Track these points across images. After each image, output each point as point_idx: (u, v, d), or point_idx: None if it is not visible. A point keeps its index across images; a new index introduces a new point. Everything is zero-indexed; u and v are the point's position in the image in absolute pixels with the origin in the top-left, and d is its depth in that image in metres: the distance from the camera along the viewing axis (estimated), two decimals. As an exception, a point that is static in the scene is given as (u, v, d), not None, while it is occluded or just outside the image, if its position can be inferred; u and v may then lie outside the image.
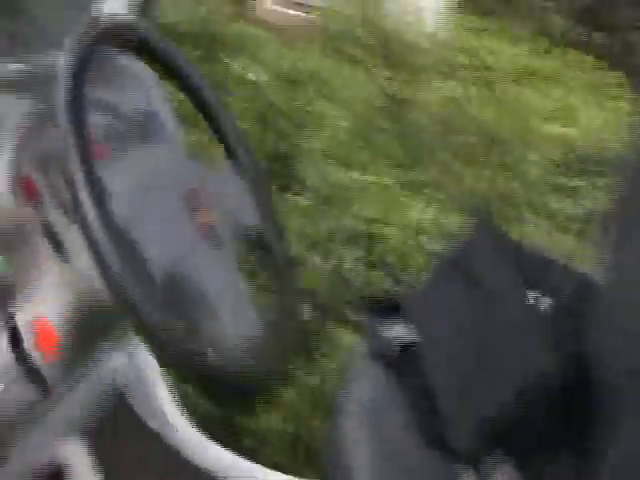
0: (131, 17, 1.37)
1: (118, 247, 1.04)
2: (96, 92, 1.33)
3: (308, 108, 3.71)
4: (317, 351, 2.85)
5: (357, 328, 2.75)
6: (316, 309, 2.91)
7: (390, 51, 4.02)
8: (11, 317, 1.20)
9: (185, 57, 1.34)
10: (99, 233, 1.04)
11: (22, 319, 1.20)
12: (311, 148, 3.49)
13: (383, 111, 3.64)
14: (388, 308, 1.44)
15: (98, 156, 1.22)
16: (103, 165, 1.17)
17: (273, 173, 3.49)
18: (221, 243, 1.21)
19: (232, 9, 4.22)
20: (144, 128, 1.37)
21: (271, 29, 4.45)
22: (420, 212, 3.03)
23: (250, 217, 1.30)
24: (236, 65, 3.80)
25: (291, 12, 4.78)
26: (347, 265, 2.96)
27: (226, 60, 3.81)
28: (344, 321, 2.87)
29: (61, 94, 1.10)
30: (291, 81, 3.88)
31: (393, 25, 4.07)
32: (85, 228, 1.04)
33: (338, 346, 2.83)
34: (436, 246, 2.83)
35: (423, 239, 2.91)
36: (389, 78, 3.90)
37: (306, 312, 2.87)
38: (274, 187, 3.42)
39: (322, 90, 3.78)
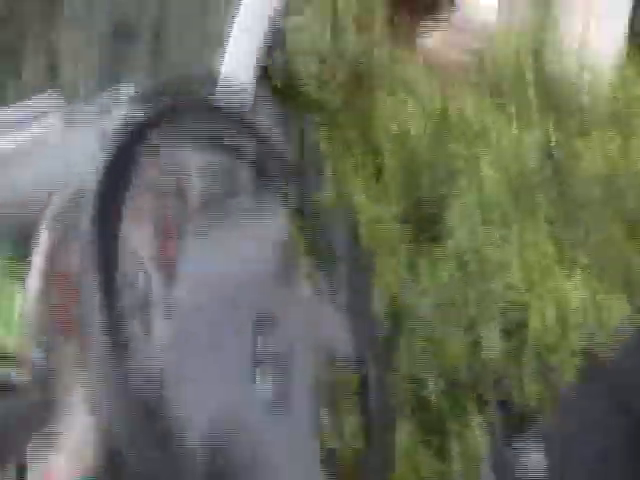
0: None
1: (132, 401, 0.76)
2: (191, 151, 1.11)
3: (459, 156, 3.44)
4: (447, 431, 2.59)
5: (491, 413, 2.47)
6: (448, 385, 2.64)
7: (555, 100, 3.71)
8: (21, 464, 0.96)
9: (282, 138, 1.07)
10: (105, 382, 0.77)
11: (34, 468, 0.94)
12: (458, 201, 3.22)
13: (542, 165, 3.32)
14: (519, 420, 1.19)
15: (163, 245, 1.00)
16: (164, 260, 0.93)
17: (415, 225, 3.24)
18: (292, 383, 0.92)
19: (390, 46, 3.96)
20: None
21: (430, 69, 4.22)
22: (575, 288, 2.70)
23: (343, 349, 1.01)
24: (387, 106, 3.57)
25: (453, 53, 4.52)
26: (488, 339, 2.67)
27: (377, 100, 3.57)
28: (479, 401, 2.59)
29: (87, 203, 0.86)
30: (443, 127, 3.62)
31: (562, 73, 3.75)
32: (91, 368, 0.78)
33: (470, 428, 2.56)
34: (591, 333, 2.51)
35: (575, 320, 2.59)
36: (551, 129, 3.58)
37: (437, 387, 2.62)
38: (414, 242, 3.17)
39: (476, 138, 3.49)
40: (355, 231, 1.13)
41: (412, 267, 3.03)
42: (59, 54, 3.30)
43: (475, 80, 3.91)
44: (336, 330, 1.03)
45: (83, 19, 3.15)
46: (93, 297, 0.83)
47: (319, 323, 1.02)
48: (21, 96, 3.12)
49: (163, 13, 3.21)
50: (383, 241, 3.21)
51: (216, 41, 1.84)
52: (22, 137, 1.34)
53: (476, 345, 2.69)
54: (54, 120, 1.44)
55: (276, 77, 2.82)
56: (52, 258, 1.02)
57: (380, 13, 3.80)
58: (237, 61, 1.71)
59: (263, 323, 0.93)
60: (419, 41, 4.93)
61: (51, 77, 3.34)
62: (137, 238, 1.07)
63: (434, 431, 2.59)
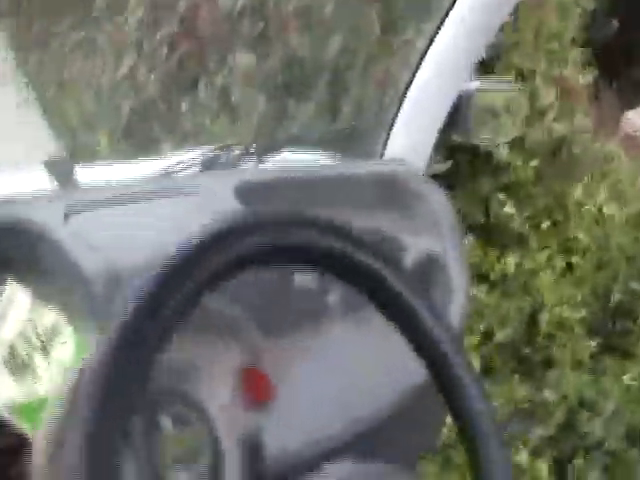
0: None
1: None
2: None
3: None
4: None
5: None
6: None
7: None
8: None
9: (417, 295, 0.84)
10: None
11: None
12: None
13: None
14: None
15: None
16: None
17: (604, 336, 2.92)
18: None
19: (595, 126, 3.63)
20: None
21: (633, 146, 3.90)
22: None
23: None
24: (584, 194, 3.25)
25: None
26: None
27: (576, 187, 3.25)
28: None
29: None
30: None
31: None
32: None
33: None
34: None
35: None
36: None
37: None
38: (602, 354, 2.85)
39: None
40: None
41: (597, 383, 2.72)
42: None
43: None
44: None
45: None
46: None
47: None
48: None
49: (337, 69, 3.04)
50: (567, 348, 2.91)
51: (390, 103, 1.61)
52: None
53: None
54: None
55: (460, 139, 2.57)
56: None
57: (585, 88, 3.50)
58: (411, 140, 1.48)
59: None
60: (624, 116, 4.62)
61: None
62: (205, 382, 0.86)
63: None
